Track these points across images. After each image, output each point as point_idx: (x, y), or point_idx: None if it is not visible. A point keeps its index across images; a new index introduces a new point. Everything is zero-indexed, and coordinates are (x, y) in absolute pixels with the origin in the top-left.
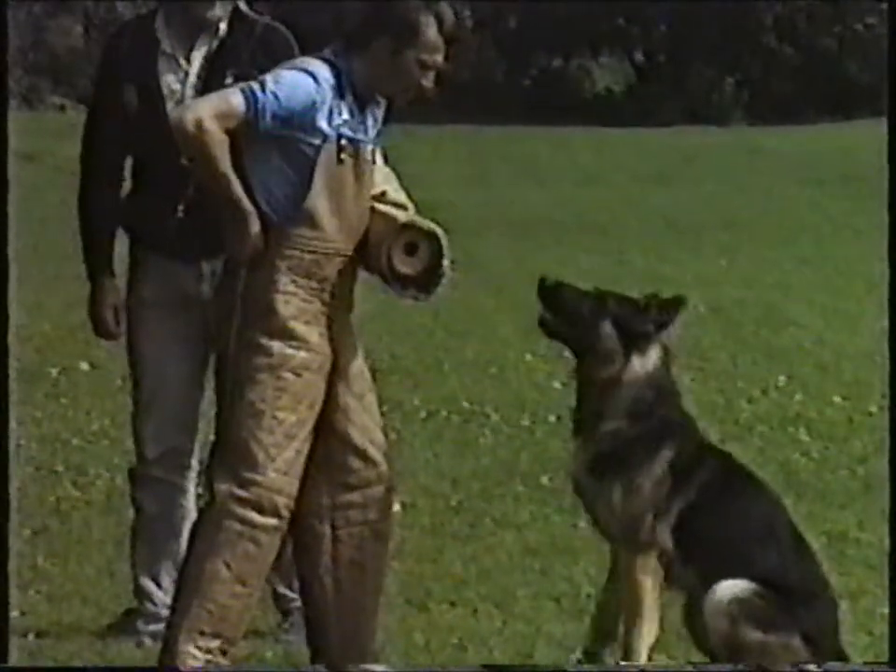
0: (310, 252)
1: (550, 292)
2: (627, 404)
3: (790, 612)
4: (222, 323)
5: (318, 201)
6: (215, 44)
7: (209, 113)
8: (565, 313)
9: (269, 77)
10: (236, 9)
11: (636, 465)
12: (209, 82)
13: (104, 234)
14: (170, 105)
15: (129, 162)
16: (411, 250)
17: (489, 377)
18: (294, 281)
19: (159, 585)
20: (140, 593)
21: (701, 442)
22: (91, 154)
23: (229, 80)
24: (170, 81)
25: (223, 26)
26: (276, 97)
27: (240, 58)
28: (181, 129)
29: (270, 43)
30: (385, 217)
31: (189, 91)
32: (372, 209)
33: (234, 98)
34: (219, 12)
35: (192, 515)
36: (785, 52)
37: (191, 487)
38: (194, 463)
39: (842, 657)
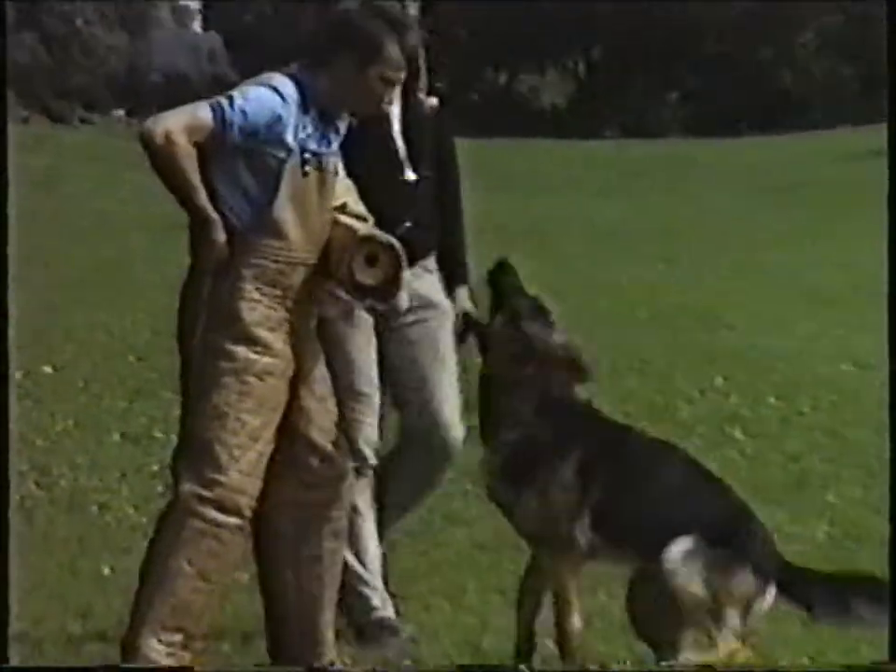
0: (274, 261)
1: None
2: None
3: (734, 549)
4: (187, 328)
5: (283, 212)
6: None
7: (178, 126)
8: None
9: (236, 92)
10: None
11: (546, 470)
12: (406, 98)
13: None
14: (388, 121)
15: None
16: (371, 261)
17: None
18: (259, 289)
19: None
20: (369, 591)
21: (606, 426)
22: None
23: (420, 95)
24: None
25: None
26: (243, 111)
27: (420, 71)
28: (151, 140)
29: (435, 58)
30: (346, 229)
31: (395, 108)
32: (334, 220)
33: (202, 112)
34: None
35: None
36: (721, 69)
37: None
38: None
39: (785, 568)
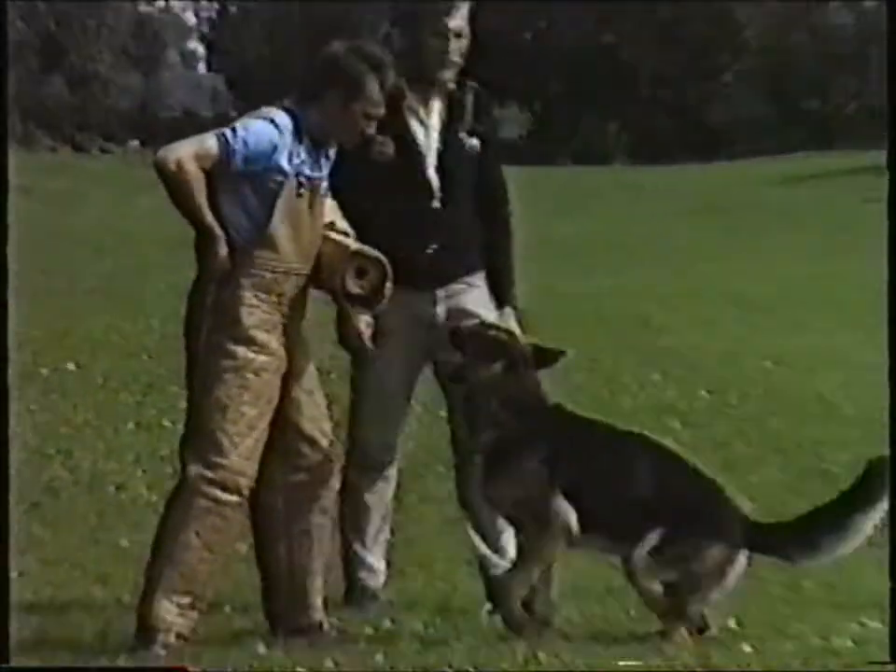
0: (271, 272)
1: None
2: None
3: (704, 527)
4: (193, 331)
5: (278, 228)
6: (444, 102)
7: (188, 154)
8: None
9: (238, 124)
10: (460, 71)
11: (519, 461)
12: (445, 136)
13: None
14: (422, 157)
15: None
16: (360, 274)
17: None
18: (257, 296)
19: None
20: (361, 565)
21: (572, 420)
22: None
23: (461, 135)
24: (418, 134)
25: (451, 86)
26: (245, 141)
27: (462, 114)
28: (164, 167)
29: (481, 103)
30: (337, 244)
31: (433, 144)
32: (325, 236)
33: (209, 142)
34: (448, 74)
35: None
36: (659, 106)
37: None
38: (399, 456)
39: (755, 529)
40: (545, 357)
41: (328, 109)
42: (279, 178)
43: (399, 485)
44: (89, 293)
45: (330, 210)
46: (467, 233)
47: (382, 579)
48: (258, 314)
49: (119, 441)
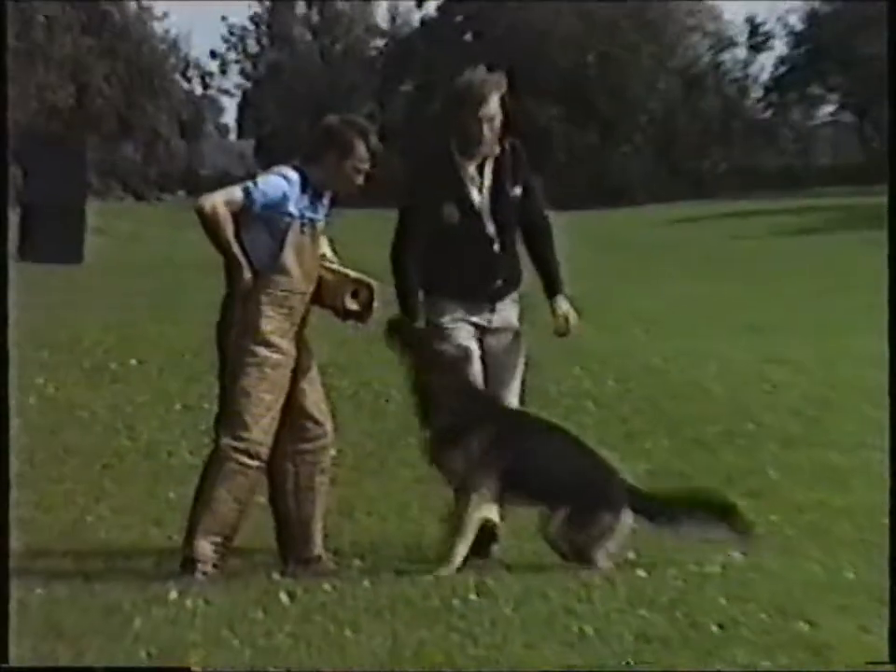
0: (282, 291)
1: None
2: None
3: (600, 499)
4: (224, 335)
5: (288, 258)
6: (493, 162)
7: (220, 201)
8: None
9: (259, 179)
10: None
11: (465, 441)
12: (496, 192)
13: (413, 292)
14: (479, 214)
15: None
16: (355, 294)
17: (393, 370)
18: (272, 309)
19: None
20: None
21: (505, 411)
22: (404, 248)
23: (510, 189)
24: (474, 197)
25: (497, 149)
26: (263, 192)
27: (508, 170)
28: (202, 210)
29: (518, 157)
30: (336, 273)
31: (486, 202)
32: (326, 266)
33: (236, 192)
34: (486, 150)
35: None
36: (571, 164)
37: None
38: None
39: (633, 493)
40: (468, 354)
41: (326, 166)
42: (288, 220)
43: (378, 454)
44: (146, 306)
45: (324, 245)
46: (516, 265)
47: None
48: (273, 323)
49: (169, 418)
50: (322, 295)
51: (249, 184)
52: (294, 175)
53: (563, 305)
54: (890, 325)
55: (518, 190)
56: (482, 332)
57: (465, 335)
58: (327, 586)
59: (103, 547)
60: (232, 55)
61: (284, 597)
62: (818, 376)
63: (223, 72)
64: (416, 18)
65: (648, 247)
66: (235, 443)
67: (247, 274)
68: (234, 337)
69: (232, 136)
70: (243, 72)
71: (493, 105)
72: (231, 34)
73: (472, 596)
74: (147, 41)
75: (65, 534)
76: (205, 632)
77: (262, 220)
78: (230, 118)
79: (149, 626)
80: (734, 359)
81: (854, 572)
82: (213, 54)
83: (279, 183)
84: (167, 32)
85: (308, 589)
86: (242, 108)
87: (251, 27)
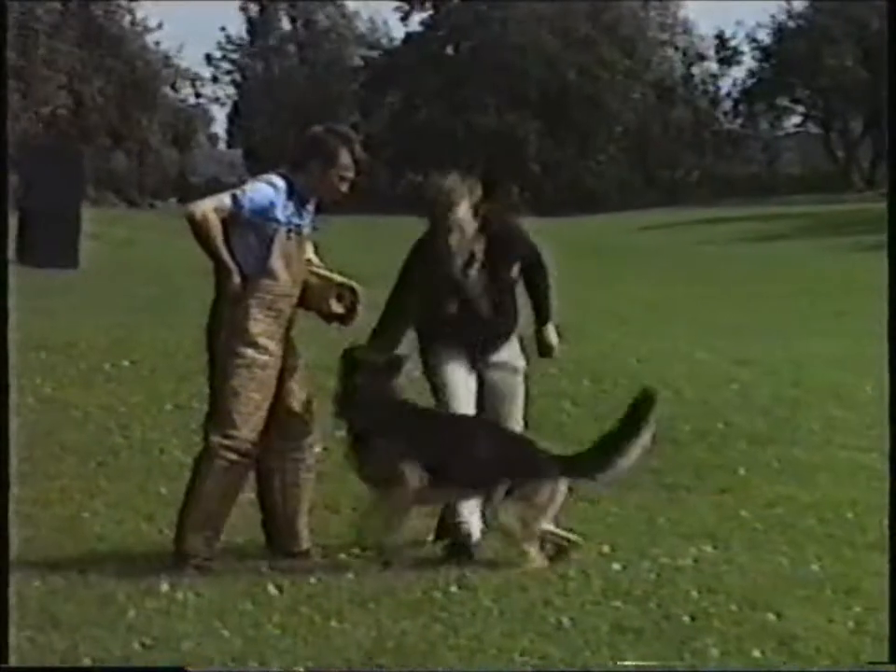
0: (270, 295)
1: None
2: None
3: (532, 476)
4: (214, 337)
5: (276, 262)
6: (483, 251)
7: (209, 207)
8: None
9: (247, 186)
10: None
11: (382, 440)
12: (492, 269)
13: (398, 336)
14: (470, 303)
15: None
16: (339, 297)
17: None
18: (260, 312)
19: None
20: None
21: (420, 411)
22: (396, 310)
23: (504, 272)
24: (460, 271)
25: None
26: (251, 198)
27: (496, 247)
28: (192, 217)
29: (507, 242)
30: (321, 277)
31: (477, 278)
32: (312, 271)
33: (225, 199)
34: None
35: None
36: (547, 175)
37: None
38: None
39: (566, 462)
40: (398, 363)
41: (311, 174)
42: (275, 226)
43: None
44: (139, 310)
45: (309, 250)
46: (509, 321)
47: None
48: (261, 325)
49: (161, 417)
50: (308, 298)
51: (237, 191)
52: (281, 183)
53: (551, 335)
54: (890, 325)
55: (514, 271)
56: (481, 366)
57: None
58: (313, 579)
59: (98, 541)
60: (225, 65)
61: (272, 589)
62: (785, 377)
63: (215, 79)
64: (401, 31)
65: (622, 253)
66: (225, 441)
67: (236, 279)
68: (224, 339)
69: (223, 145)
70: (233, 82)
71: (461, 212)
72: (221, 46)
73: (453, 589)
74: (141, 56)
75: (62, 529)
76: (196, 623)
77: (250, 226)
78: (220, 128)
79: (142, 617)
80: (704, 361)
81: (820, 565)
82: (208, 58)
83: (266, 190)
84: (158, 44)
85: (295, 582)
86: (231, 119)
87: (239, 40)
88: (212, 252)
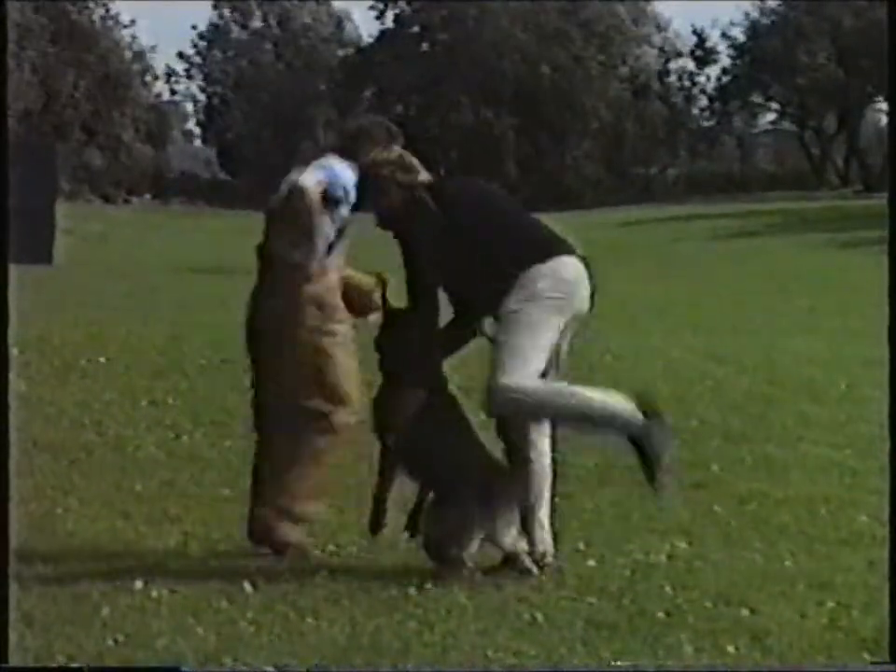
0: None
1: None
2: None
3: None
4: (287, 320)
5: (341, 249)
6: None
7: (316, 181)
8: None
9: (335, 165)
10: None
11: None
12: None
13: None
14: None
15: None
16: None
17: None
18: (323, 299)
19: None
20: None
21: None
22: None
23: None
24: None
25: None
26: (344, 182)
27: None
28: (305, 191)
29: None
30: (351, 277)
31: None
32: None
33: (321, 174)
34: None
35: None
36: (525, 171)
37: None
38: None
39: None
40: None
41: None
42: (346, 213)
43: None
44: (114, 306)
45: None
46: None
47: None
48: (341, 307)
49: (136, 413)
50: (352, 301)
51: (323, 168)
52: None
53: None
54: (890, 326)
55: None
56: None
57: None
58: (288, 575)
59: (71, 538)
60: (198, 60)
61: (247, 587)
62: (759, 374)
63: (189, 76)
64: (375, 28)
65: (596, 249)
66: (353, 419)
67: (322, 260)
68: (306, 321)
69: (197, 141)
70: (207, 78)
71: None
72: (194, 44)
73: (428, 585)
74: (115, 51)
75: (36, 526)
76: (170, 620)
77: (328, 211)
78: (195, 124)
79: (117, 615)
80: (678, 358)
81: (793, 561)
82: (180, 55)
83: (350, 176)
84: (134, 39)
85: (270, 579)
86: (207, 115)
87: (212, 37)
88: (306, 228)
